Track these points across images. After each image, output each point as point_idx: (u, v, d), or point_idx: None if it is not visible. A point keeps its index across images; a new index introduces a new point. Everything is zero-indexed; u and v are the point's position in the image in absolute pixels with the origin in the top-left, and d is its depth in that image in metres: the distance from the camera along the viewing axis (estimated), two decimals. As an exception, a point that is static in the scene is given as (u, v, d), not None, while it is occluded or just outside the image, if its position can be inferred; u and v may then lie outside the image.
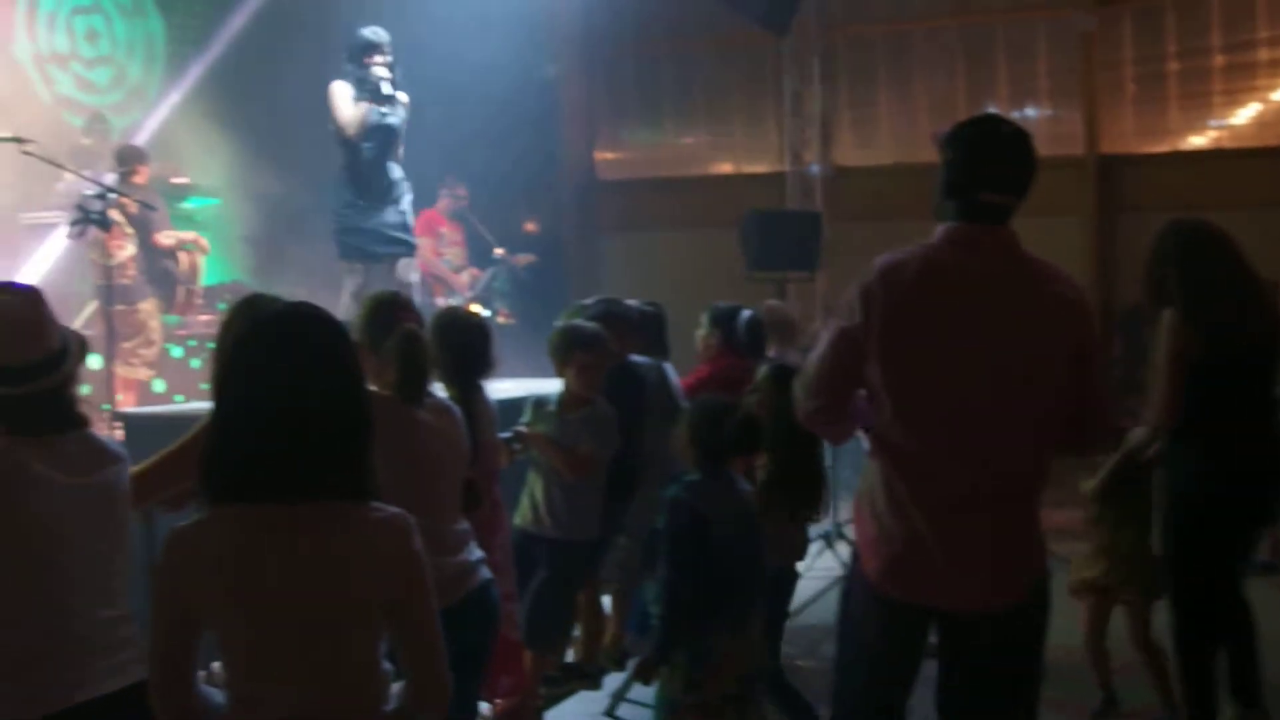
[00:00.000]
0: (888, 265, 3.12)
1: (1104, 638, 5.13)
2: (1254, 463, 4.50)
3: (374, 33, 7.37)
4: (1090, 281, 11.84)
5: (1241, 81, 13.03)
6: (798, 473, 4.42)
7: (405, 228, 7.62)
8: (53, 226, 9.26)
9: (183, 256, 9.05)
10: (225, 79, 11.86)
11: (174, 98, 11.72)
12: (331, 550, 2.30)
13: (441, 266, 10.51)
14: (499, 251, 10.82)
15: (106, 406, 7.07)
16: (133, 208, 8.44)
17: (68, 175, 8.10)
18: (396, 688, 2.43)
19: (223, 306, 9.63)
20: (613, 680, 5.52)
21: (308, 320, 2.39)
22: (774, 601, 4.45)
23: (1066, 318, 3.12)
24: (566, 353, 5.05)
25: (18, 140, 7.45)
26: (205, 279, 9.52)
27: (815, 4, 12.03)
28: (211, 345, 3.48)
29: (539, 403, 5.17)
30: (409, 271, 7.64)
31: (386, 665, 2.42)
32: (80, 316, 8.71)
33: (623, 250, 14.54)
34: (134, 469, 3.01)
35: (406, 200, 7.60)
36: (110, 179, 8.23)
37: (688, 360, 6.38)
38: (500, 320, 10.37)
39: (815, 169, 12.49)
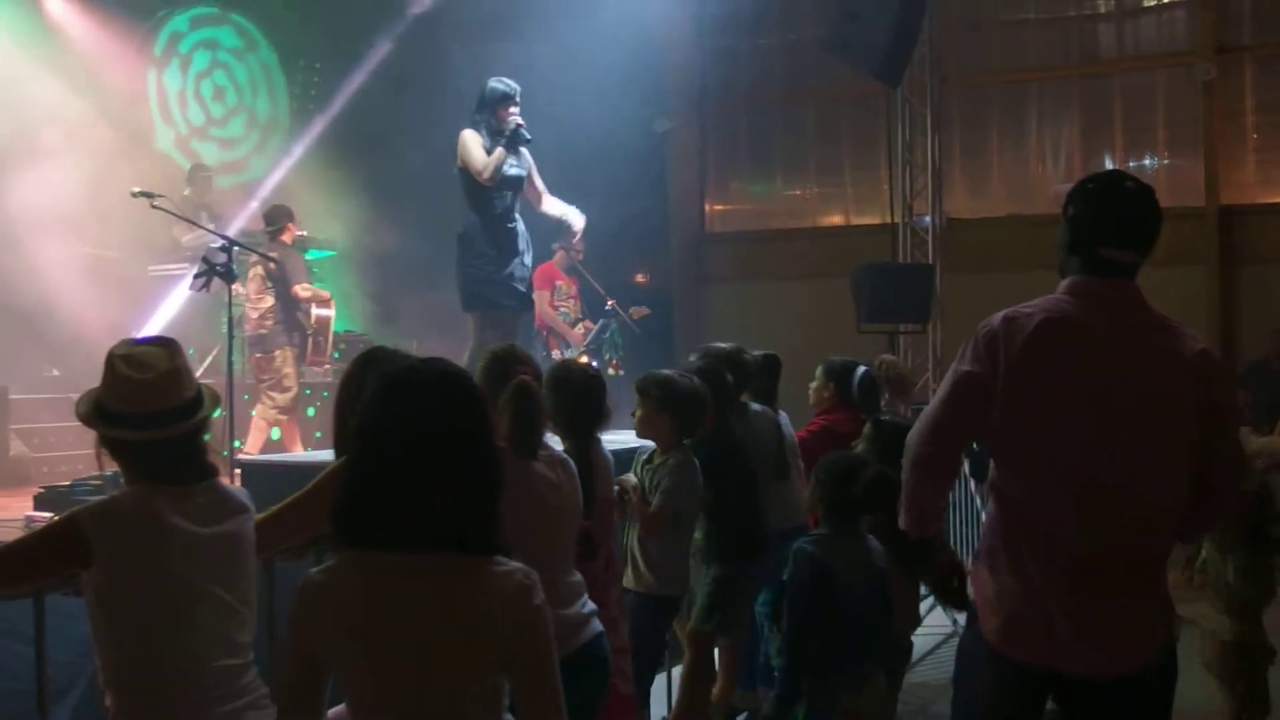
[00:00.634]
0: (1011, 316, 3.07)
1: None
2: None
3: (507, 84, 7.40)
4: (1212, 334, 11.57)
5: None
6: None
7: (528, 282, 7.64)
8: (178, 278, 9.63)
9: (314, 310, 9.35)
10: (341, 134, 12.20)
11: (296, 151, 12.14)
12: (454, 601, 2.32)
13: (557, 319, 10.59)
14: (611, 303, 10.88)
15: (225, 453, 7.23)
16: (269, 266, 9.00)
17: (180, 228, 8.43)
18: None
19: (337, 356, 9.88)
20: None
21: (441, 375, 2.44)
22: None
23: (1195, 373, 3.04)
24: (664, 405, 5.00)
25: (149, 195, 7.71)
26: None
27: (927, 55, 11.98)
28: (325, 395, 3.54)
29: (643, 453, 5.16)
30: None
31: (508, 718, 2.44)
32: (203, 364, 9.00)
33: (732, 302, 14.56)
34: (256, 517, 3.07)
35: (529, 254, 7.61)
36: (233, 232, 8.54)
37: (794, 412, 6.34)
38: (611, 371, 10.40)
39: (927, 220, 12.39)
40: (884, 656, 3.96)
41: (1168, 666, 3.11)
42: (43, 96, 9.87)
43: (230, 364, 7.63)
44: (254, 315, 9.16)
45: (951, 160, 13.83)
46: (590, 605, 3.74)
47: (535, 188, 7.70)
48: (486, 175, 7.28)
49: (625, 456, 5.34)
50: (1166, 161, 13.76)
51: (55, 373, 10.11)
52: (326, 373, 9.94)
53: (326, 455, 3.77)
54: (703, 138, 15.53)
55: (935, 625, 7.14)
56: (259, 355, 9.14)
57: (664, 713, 5.24)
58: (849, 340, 10.20)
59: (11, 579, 2.90)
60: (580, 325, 10.82)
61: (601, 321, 10.85)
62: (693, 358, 5.55)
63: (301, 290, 9.31)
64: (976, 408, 3.07)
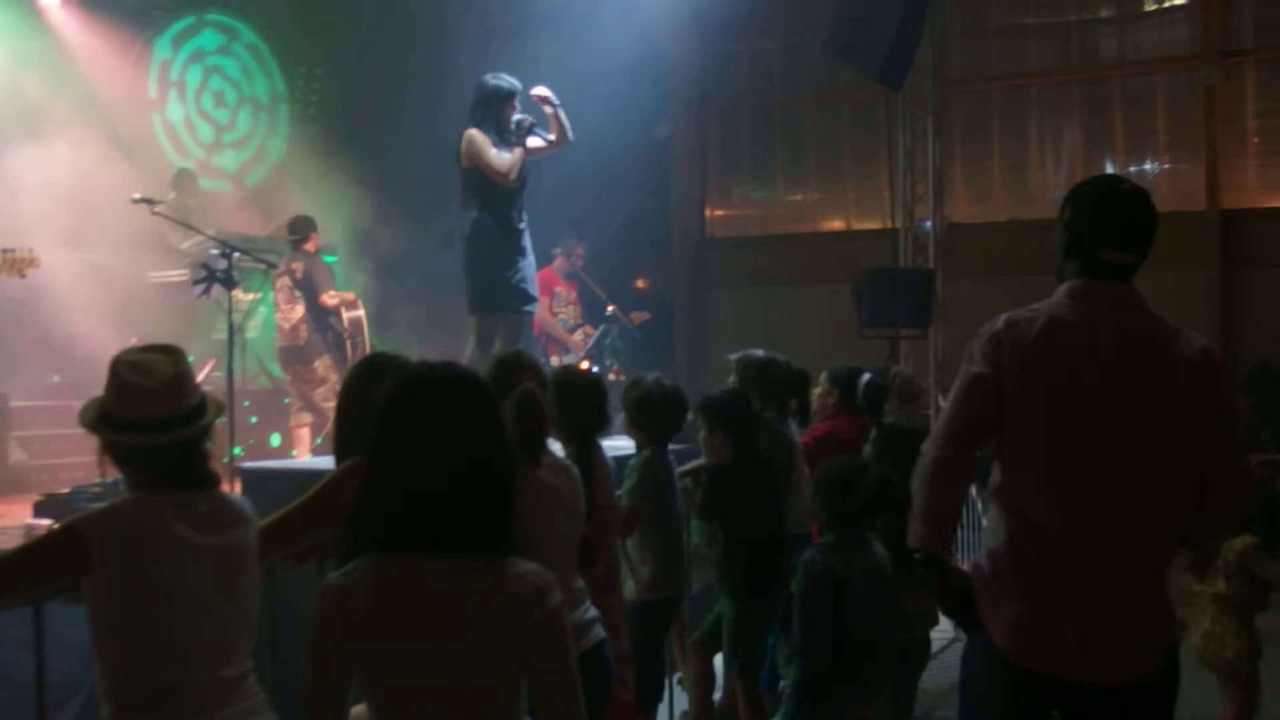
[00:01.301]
0: (1013, 319, 3.08)
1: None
2: None
3: (509, 81, 7.29)
4: (1213, 338, 11.55)
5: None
6: None
7: (534, 283, 7.55)
8: (178, 284, 9.64)
9: (345, 314, 9.39)
10: (341, 138, 12.23)
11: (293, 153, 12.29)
12: (473, 603, 2.35)
13: (556, 326, 10.58)
14: (611, 308, 10.87)
15: (225, 460, 7.21)
16: (295, 275, 9.21)
17: (178, 234, 8.46)
18: None
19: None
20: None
21: (454, 378, 2.46)
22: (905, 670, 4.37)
23: (1196, 375, 3.04)
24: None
25: (149, 201, 7.71)
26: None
27: (929, 59, 11.97)
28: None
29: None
30: None
31: None
32: (200, 374, 8.99)
33: (733, 307, 14.56)
34: (260, 523, 3.06)
35: (532, 254, 7.50)
36: (237, 239, 8.56)
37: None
38: (612, 377, 10.39)
39: (928, 225, 12.37)
40: (891, 664, 3.95)
41: (1170, 672, 3.10)
42: (50, 114, 9.96)
43: (231, 370, 7.62)
44: (285, 327, 9.23)
45: (952, 165, 13.81)
46: (593, 611, 3.74)
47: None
48: (512, 176, 7.19)
49: (625, 462, 5.32)
50: (1168, 166, 13.76)
51: (55, 380, 10.11)
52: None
53: (327, 461, 3.75)
54: (704, 143, 15.53)
55: (940, 630, 7.10)
56: (298, 367, 9.23)
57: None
58: (850, 345, 10.18)
59: (11, 587, 2.89)
60: (580, 331, 10.81)
61: (603, 327, 10.84)
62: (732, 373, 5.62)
63: (329, 298, 9.40)
64: (990, 408, 3.06)
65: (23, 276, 7.61)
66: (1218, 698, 5.25)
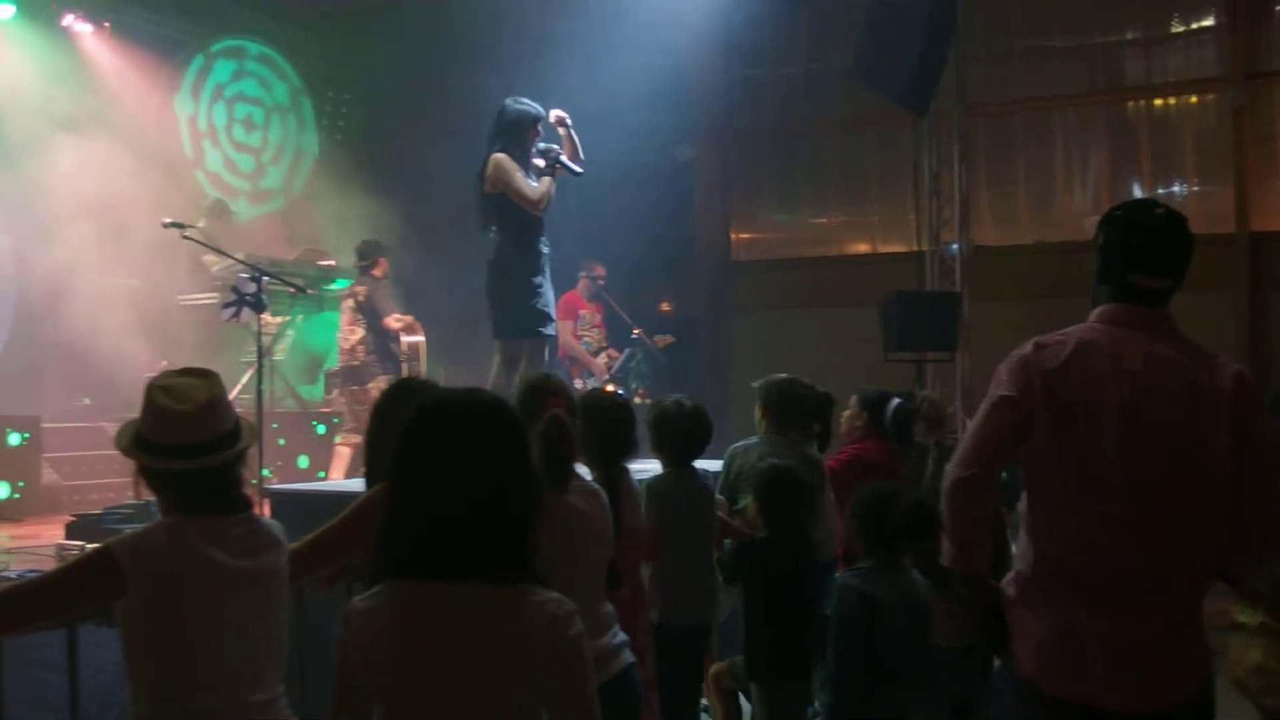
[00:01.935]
0: (1042, 343, 3.09)
1: None
2: None
3: (533, 106, 7.29)
4: (1241, 362, 11.48)
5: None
6: None
7: (552, 305, 7.53)
8: (207, 307, 9.72)
9: (404, 338, 9.51)
10: (366, 162, 12.32)
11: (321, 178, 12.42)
12: (492, 630, 2.34)
13: (580, 349, 10.59)
14: (636, 331, 10.88)
15: (255, 482, 7.24)
16: (359, 298, 9.42)
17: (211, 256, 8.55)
18: None
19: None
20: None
21: (480, 404, 2.46)
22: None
23: (1229, 402, 3.02)
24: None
25: (179, 226, 7.76)
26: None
27: (953, 83, 11.98)
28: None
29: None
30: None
31: None
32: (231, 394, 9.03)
33: (757, 330, 14.53)
34: (290, 546, 3.07)
35: (549, 279, 7.48)
36: (265, 262, 8.65)
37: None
38: (637, 400, 10.40)
39: (954, 248, 12.36)
40: (924, 690, 3.93)
41: (1204, 702, 3.07)
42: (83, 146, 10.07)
43: (260, 392, 7.66)
44: (344, 347, 9.39)
45: (978, 188, 13.78)
46: (621, 636, 3.73)
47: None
48: (543, 206, 7.22)
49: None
50: (1196, 188, 13.69)
51: (86, 402, 10.19)
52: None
53: (356, 485, 3.78)
54: (728, 166, 15.55)
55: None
56: (354, 388, 9.34)
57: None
58: (876, 369, 10.17)
59: (46, 610, 2.92)
60: (604, 355, 10.82)
61: (628, 350, 10.85)
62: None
63: (394, 321, 9.55)
64: (1013, 430, 3.07)
65: None
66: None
